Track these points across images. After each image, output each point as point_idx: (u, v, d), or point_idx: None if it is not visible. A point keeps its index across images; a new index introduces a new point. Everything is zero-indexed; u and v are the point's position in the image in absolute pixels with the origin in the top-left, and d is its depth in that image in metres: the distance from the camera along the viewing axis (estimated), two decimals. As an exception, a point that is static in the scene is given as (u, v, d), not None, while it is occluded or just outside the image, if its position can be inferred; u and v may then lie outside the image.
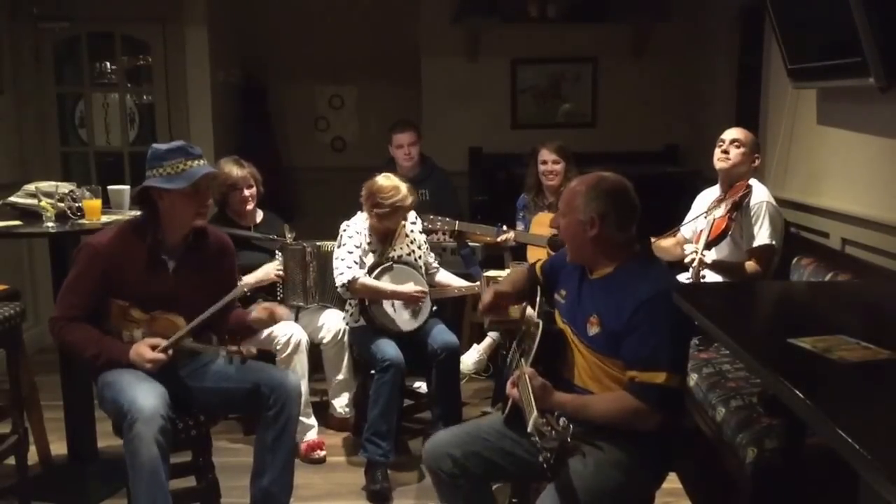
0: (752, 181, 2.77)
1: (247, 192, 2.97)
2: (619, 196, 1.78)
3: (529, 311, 2.06)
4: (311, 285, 3.02)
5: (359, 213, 2.88)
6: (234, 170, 2.96)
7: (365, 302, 2.77)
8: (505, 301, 2.07)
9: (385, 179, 2.78)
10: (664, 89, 4.58)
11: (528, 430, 1.46)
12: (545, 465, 1.42)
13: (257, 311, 2.24)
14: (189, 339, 2.09)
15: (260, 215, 3.11)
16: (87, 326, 2.07)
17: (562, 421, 1.44)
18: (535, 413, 1.47)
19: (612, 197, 1.77)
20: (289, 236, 3.07)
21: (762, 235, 2.66)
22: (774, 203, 2.73)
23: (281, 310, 2.24)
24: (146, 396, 1.92)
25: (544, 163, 3.39)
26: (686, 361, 1.78)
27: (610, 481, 1.67)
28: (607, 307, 1.74)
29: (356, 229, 2.81)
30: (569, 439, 1.41)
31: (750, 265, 2.66)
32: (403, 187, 2.77)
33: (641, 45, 4.58)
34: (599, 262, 1.81)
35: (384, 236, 2.85)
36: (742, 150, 2.74)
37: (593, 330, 1.76)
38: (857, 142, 2.69)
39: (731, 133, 2.79)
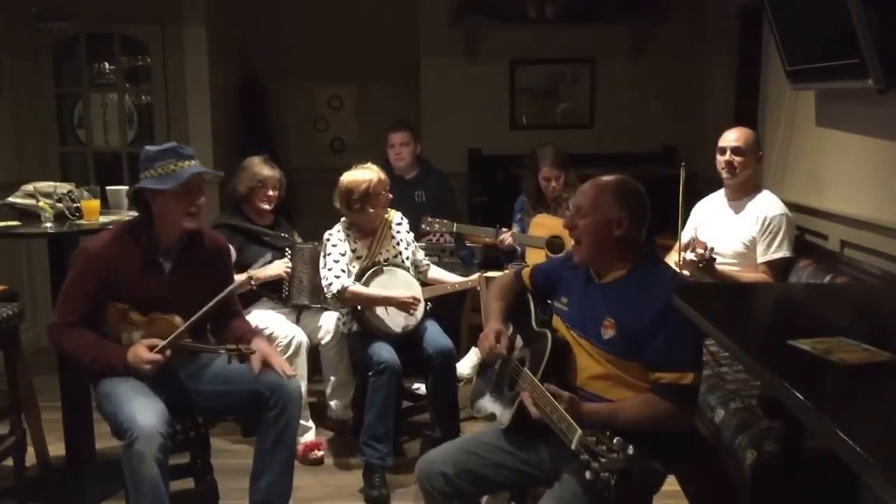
0: (765, 193, 2.75)
1: (272, 192, 3.03)
2: (641, 198, 1.82)
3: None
4: (318, 284, 3.03)
5: (341, 219, 2.86)
6: (265, 168, 3.03)
7: (357, 308, 2.77)
8: (504, 335, 1.96)
9: (346, 175, 2.78)
10: (662, 90, 4.58)
11: (573, 447, 1.44)
12: (600, 485, 1.37)
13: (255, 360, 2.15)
14: (187, 338, 2.08)
15: (272, 219, 3.15)
16: (85, 332, 2.07)
17: (616, 440, 1.40)
18: (578, 431, 1.45)
19: (637, 198, 1.81)
20: (298, 240, 3.13)
21: (783, 248, 2.65)
22: (790, 214, 2.71)
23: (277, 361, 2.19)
24: (145, 414, 1.91)
25: (547, 179, 3.41)
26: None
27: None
28: (624, 310, 1.74)
29: (339, 237, 2.80)
30: (635, 461, 1.38)
31: (759, 276, 2.65)
32: (366, 169, 2.77)
33: (640, 47, 4.59)
34: (613, 265, 1.81)
35: (369, 237, 2.83)
36: (744, 157, 2.71)
37: (609, 333, 1.75)
38: (855, 143, 2.69)
39: (731, 140, 2.72)
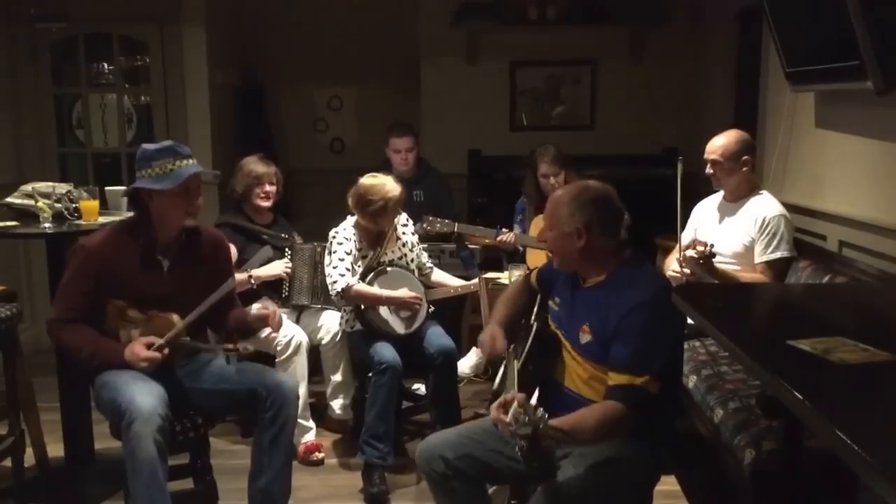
0: (764, 194, 2.75)
1: (269, 188, 3.05)
2: (602, 204, 1.78)
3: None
4: (317, 285, 3.05)
5: (348, 217, 2.87)
6: (260, 165, 3.06)
7: (361, 307, 2.77)
8: (499, 338, 1.97)
9: (370, 179, 2.78)
10: (663, 92, 4.58)
11: (508, 420, 1.46)
12: (520, 453, 1.43)
13: (258, 310, 2.23)
14: (186, 337, 2.08)
15: (272, 218, 3.16)
16: (84, 327, 2.07)
17: (539, 411, 1.44)
18: (514, 405, 1.47)
19: (596, 206, 1.77)
20: (298, 240, 3.13)
21: (781, 249, 2.64)
22: (787, 215, 2.71)
23: (278, 316, 2.22)
24: (144, 396, 1.92)
25: (545, 176, 3.41)
26: (672, 366, 1.77)
27: (601, 483, 1.67)
28: (598, 317, 1.74)
29: (345, 235, 2.80)
30: (541, 426, 1.42)
31: (757, 276, 2.65)
32: (389, 181, 2.77)
33: (640, 48, 4.59)
34: (591, 271, 1.82)
35: (375, 240, 2.84)
36: (724, 169, 2.71)
37: (585, 339, 1.76)
38: (854, 145, 2.70)
39: (709, 152, 2.74)
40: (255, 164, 3.05)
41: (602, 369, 1.72)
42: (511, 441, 1.72)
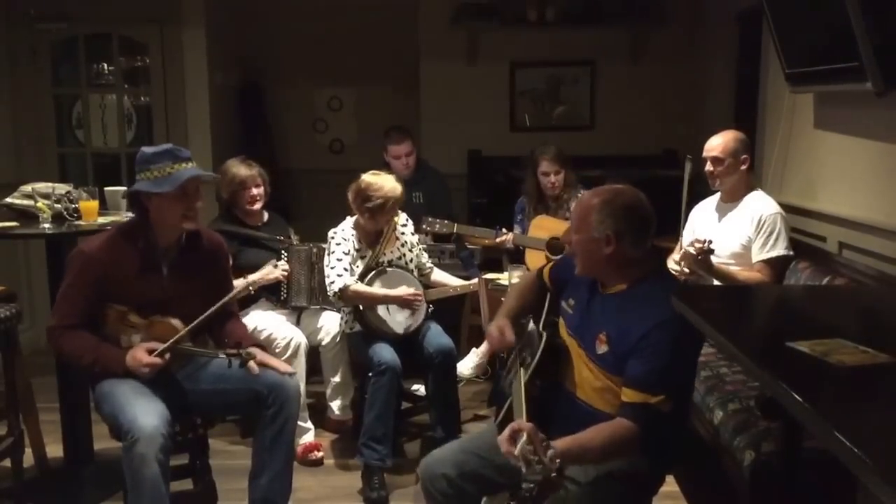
0: (758, 192, 2.77)
1: (255, 191, 3.02)
2: (634, 212, 1.71)
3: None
4: (315, 286, 3.04)
5: (347, 218, 2.87)
6: (241, 169, 3.01)
7: (359, 307, 2.77)
8: (507, 329, 1.93)
9: (371, 176, 2.77)
10: (662, 93, 4.59)
11: (516, 453, 1.42)
12: (527, 496, 1.40)
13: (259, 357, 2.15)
14: (187, 342, 2.08)
15: (266, 216, 3.14)
16: (84, 334, 2.06)
17: (550, 452, 1.41)
18: (524, 437, 1.43)
19: (628, 213, 1.70)
20: (294, 238, 3.11)
21: (779, 247, 2.65)
22: (783, 213, 2.72)
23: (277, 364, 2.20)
24: (146, 415, 1.91)
25: (545, 174, 3.40)
26: (687, 388, 1.75)
27: (603, 494, 1.65)
28: (617, 328, 1.69)
29: (344, 236, 2.80)
30: (554, 474, 1.38)
31: (755, 275, 2.65)
32: (391, 180, 2.77)
33: (640, 49, 4.60)
34: (613, 278, 1.76)
35: (374, 240, 2.84)
36: (724, 166, 2.73)
37: (602, 348, 1.71)
38: (854, 146, 2.70)
39: (709, 150, 2.77)
40: (237, 168, 3.00)
41: (616, 381, 1.68)
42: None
